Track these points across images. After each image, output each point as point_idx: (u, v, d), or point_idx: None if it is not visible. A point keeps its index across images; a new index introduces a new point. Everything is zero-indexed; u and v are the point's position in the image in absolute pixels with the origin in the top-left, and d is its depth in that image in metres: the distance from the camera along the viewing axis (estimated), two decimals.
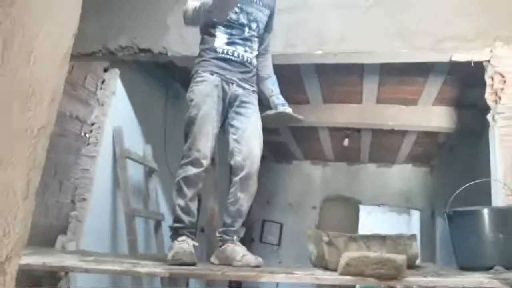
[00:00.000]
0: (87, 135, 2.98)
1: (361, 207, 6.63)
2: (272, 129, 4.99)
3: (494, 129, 2.48)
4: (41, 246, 2.23)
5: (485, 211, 1.79)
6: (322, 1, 2.78)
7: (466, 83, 3.48)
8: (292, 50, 2.80)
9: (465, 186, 1.97)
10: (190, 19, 2.09)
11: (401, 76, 3.54)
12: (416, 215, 6.73)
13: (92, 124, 3.00)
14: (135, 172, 3.23)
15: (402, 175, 6.44)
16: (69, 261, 1.63)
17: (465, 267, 1.83)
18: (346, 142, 5.24)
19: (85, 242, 2.59)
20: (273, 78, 2.33)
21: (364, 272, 1.53)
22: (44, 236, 2.42)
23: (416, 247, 1.87)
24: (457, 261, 1.92)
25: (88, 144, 2.93)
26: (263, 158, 6.98)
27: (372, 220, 7.21)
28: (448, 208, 1.98)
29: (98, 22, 3.10)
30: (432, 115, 4.08)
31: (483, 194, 2.47)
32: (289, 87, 2.91)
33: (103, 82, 3.12)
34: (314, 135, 5.42)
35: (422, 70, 3.33)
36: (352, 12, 2.72)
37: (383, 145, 5.54)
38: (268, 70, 2.33)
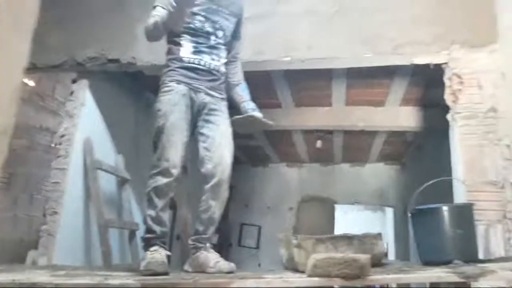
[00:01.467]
0: (57, 147, 2.95)
1: (337, 206, 6.76)
2: (247, 134, 5.06)
3: (453, 128, 2.61)
4: (11, 262, 2.20)
5: (444, 209, 1.89)
6: (289, 9, 2.86)
7: (430, 84, 3.61)
8: (260, 57, 2.86)
9: (424, 185, 2.06)
10: (151, 35, 2.12)
11: (368, 78, 3.65)
12: (390, 212, 6.90)
13: (62, 136, 2.97)
14: (107, 183, 3.21)
15: (375, 174, 6.60)
16: (39, 277, 1.62)
17: (428, 263, 1.92)
18: (319, 144, 5.34)
19: (58, 256, 2.56)
20: (243, 84, 2.38)
21: (331, 273, 1.58)
22: (14, 252, 2.38)
23: (381, 245, 1.95)
24: (421, 257, 2.01)
25: (58, 156, 2.90)
26: (240, 162, 7.09)
27: (348, 219, 7.36)
28: (411, 206, 2.07)
29: (64, 33, 3.09)
30: (399, 115, 4.22)
31: (450, 190, 2.59)
32: (261, 92, 2.97)
33: (71, 93, 3.10)
34: (288, 138, 5.50)
35: (387, 72, 3.44)
36: (318, 20, 2.81)
37: (355, 145, 5.68)
38: (237, 77, 2.37)
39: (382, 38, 2.69)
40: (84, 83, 3.13)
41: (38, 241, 2.55)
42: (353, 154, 6.24)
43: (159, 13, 2.04)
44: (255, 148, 6.09)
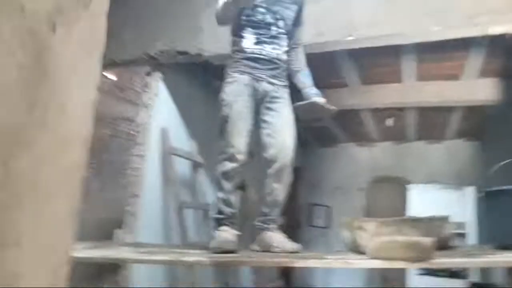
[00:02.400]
0: (136, 135, 3.24)
1: (411, 186, 6.52)
2: (311, 120, 5.03)
3: None
4: (101, 239, 2.50)
5: None
6: None
7: (510, 53, 3.31)
8: (322, 39, 2.83)
9: (500, 164, 1.94)
10: (221, 17, 2.19)
11: (440, 52, 3.43)
12: (470, 191, 6.47)
13: (140, 125, 3.25)
14: (182, 167, 3.45)
15: (453, 151, 6.21)
16: (125, 253, 1.85)
17: (501, 246, 1.83)
18: (389, 122, 5.16)
19: (140, 235, 2.85)
20: (305, 71, 2.40)
21: (393, 256, 1.60)
22: (103, 230, 2.70)
23: (448, 228, 1.90)
24: (494, 240, 1.92)
25: (137, 144, 3.18)
26: (308, 143, 7.09)
27: (423, 199, 7.02)
28: (484, 186, 1.97)
29: (137, 28, 3.32)
30: (477, 88, 3.92)
31: None
32: (325, 73, 2.96)
33: (146, 85, 3.35)
34: (356, 118, 5.38)
35: (461, 44, 3.21)
36: None
37: (430, 122, 5.39)
38: (299, 63, 2.40)
39: (450, 9, 2.52)
40: (157, 75, 3.36)
41: (123, 220, 2.85)
42: (428, 131, 5.92)
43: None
44: (323, 129, 6.04)
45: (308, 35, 2.72)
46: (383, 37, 2.75)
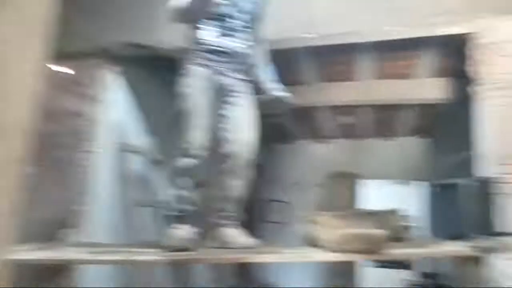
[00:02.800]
0: (88, 131, 3.09)
1: (366, 181, 6.72)
2: (273, 114, 5.06)
3: (479, 100, 2.52)
4: (47, 240, 2.36)
5: (462, 184, 1.87)
6: None
7: (459, 54, 3.47)
8: (282, 35, 2.83)
9: (449, 160, 2.03)
10: (175, 18, 2.14)
11: (395, 51, 3.54)
12: (421, 186, 6.77)
13: (93, 120, 3.10)
14: (137, 164, 3.34)
15: (406, 147, 6.47)
16: (71, 254, 1.75)
17: (449, 237, 1.92)
18: (346, 119, 5.28)
19: (91, 234, 2.72)
20: (267, 65, 2.38)
21: (349, 248, 1.63)
22: (50, 231, 2.56)
23: (400, 220, 1.96)
24: (442, 231, 2.01)
25: (88, 140, 3.04)
26: (267, 140, 7.07)
27: (377, 194, 7.27)
28: (434, 181, 2.06)
29: (93, 21, 3.17)
30: (428, 87, 4.09)
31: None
32: (283, 69, 2.94)
33: (100, 79, 3.21)
34: (315, 115, 5.46)
35: (414, 44, 3.33)
36: None
37: (383, 119, 5.57)
38: (261, 58, 2.38)
39: (407, 10, 2.61)
40: (112, 68, 3.23)
41: (72, 220, 2.72)
42: (382, 128, 6.12)
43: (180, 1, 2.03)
44: (282, 126, 6.09)
45: (268, 31, 2.72)
46: (341, 35, 2.80)
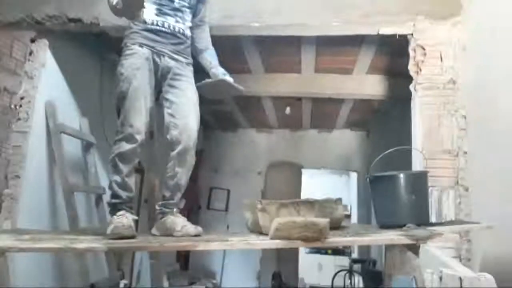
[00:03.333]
0: (17, 110, 2.85)
1: (304, 170, 6.97)
2: (217, 99, 5.03)
3: (415, 98, 2.70)
4: None
5: (399, 176, 1.99)
6: None
7: (396, 53, 3.68)
8: (228, 22, 2.81)
9: (384, 153, 2.15)
10: (114, 13, 2.01)
11: (337, 46, 3.67)
12: (354, 176, 7.16)
13: (22, 98, 2.86)
14: (71, 147, 3.14)
15: (342, 140, 6.78)
16: (3, 241, 1.62)
17: (384, 226, 2.04)
18: (288, 110, 5.39)
19: (21, 221, 2.53)
20: (211, 50, 2.34)
21: (292, 236, 1.67)
22: None
23: (341, 210, 2.05)
24: (377, 221, 2.13)
25: (19, 119, 2.80)
26: (209, 127, 7.10)
27: (315, 183, 7.59)
28: (370, 173, 2.17)
29: None
30: (366, 83, 4.30)
31: (410, 156, 2.71)
32: (230, 57, 2.92)
33: (31, 53, 2.95)
34: (258, 104, 5.52)
35: (355, 41, 3.47)
36: None
37: (323, 112, 5.78)
38: (205, 42, 2.34)
39: (349, 7, 2.70)
40: (44, 43, 2.99)
41: (0, 205, 2.51)
42: (321, 121, 6.35)
43: None
44: (225, 113, 6.08)
45: (214, 16, 2.68)
46: (286, 26, 2.83)
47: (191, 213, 5.95)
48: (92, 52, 3.56)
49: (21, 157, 2.67)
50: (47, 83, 2.96)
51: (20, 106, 2.81)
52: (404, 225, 1.92)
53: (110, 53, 3.72)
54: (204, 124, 6.68)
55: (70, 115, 3.24)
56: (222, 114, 6.12)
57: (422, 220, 1.97)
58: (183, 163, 2.09)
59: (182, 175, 2.11)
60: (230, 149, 6.96)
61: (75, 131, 3.20)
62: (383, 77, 4.26)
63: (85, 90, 3.43)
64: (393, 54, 3.75)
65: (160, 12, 2.08)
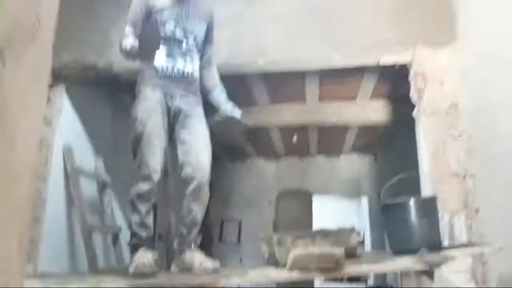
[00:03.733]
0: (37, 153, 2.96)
1: (314, 197, 6.98)
2: (227, 135, 5.14)
3: (419, 123, 2.78)
4: None
5: (410, 202, 2.04)
6: (261, 13, 2.95)
7: (398, 79, 3.78)
8: (234, 60, 2.94)
9: (393, 179, 2.22)
10: (125, 58, 2.16)
11: (339, 76, 3.77)
12: (365, 201, 7.15)
13: (41, 143, 2.98)
14: (88, 187, 3.24)
15: (350, 165, 6.82)
16: (29, 285, 1.68)
17: (398, 252, 2.08)
18: (294, 139, 5.48)
19: (42, 263, 2.59)
20: (219, 88, 2.43)
21: (309, 267, 1.72)
22: None
23: (355, 238, 2.10)
24: (391, 247, 2.17)
25: (39, 163, 2.91)
26: (217, 158, 7.09)
27: (326, 210, 7.58)
28: (381, 199, 2.23)
29: None
30: (370, 109, 4.39)
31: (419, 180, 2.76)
32: (235, 91, 3.02)
33: (48, 99, 3.10)
34: (265, 134, 5.61)
35: (357, 70, 3.58)
36: (289, 24, 2.91)
37: (329, 138, 5.85)
38: (213, 81, 2.43)
39: (349, 41, 2.82)
40: (61, 89, 3.14)
41: (22, 249, 2.57)
42: (328, 147, 6.42)
43: (128, 44, 2.06)
44: (233, 144, 6.17)
45: (221, 55, 2.82)
46: (289, 62, 2.95)
47: (204, 246, 5.94)
48: (106, 94, 3.71)
49: (41, 201, 2.76)
50: (64, 126, 3.08)
51: (40, 150, 2.92)
52: (418, 250, 1.96)
53: (122, 94, 3.88)
54: (213, 156, 6.77)
55: (86, 156, 3.35)
56: (230, 145, 6.22)
57: (435, 245, 2.01)
58: (198, 199, 2.15)
59: (198, 211, 2.16)
60: (239, 179, 7.02)
61: (91, 172, 3.30)
62: (386, 102, 4.35)
63: (100, 130, 3.56)
64: (395, 79, 3.85)
65: (170, 56, 2.19)
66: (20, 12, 0.63)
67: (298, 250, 1.80)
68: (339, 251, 1.70)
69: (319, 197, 7.18)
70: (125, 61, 2.95)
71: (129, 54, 2.07)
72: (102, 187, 3.44)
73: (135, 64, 2.41)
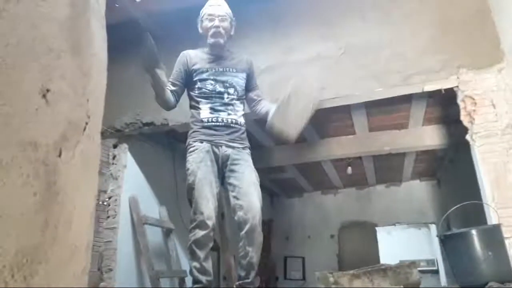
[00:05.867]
0: (106, 207, 3.24)
1: (379, 228, 6.74)
2: (279, 167, 5.23)
3: (474, 148, 2.68)
4: None
5: (472, 232, 1.96)
6: (299, 58, 3.07)
7: (448, 102, 3.69)
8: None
9: (453, 208, 2.15)
10: (159, 104, 2.40)
11: (387, 106, 3.76)
12: (434, 228, 6.76)
13: (110, 198, 3.27)
14: (153, 235, 3.46)
15: (412, 192, 6.56)
16: None
17: (464, 285, 1.99)
18: (349, 170, 5.43)
19: None
20: (270, 105, 2.42)
21: None
22: None
23: (416, 274, 2.03)
24: (457, 281, 2.08)
25: (108, 217, 3.19)
26: (275, 195, 7.20)
27: (393, 239, 7.24)
28: (442, 229, 2.16)
29: (108, 104, 3.43)
30: (423, 134, 4.28)
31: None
32: None
33: (114, 157, 3.42)
34: (319, 168, 5.63)
35: (404, 98, 3.55)
36: (327, 63, 3.00)
37: (387, 166, 5.72)
38: (266, 107, 2.43)
39: (390, 72, 2.84)
40: (124, 147, 3.45)
41: None
42: (387, 175, 6.26)
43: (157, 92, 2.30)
44: (288, 180, 6.23)
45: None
46: (333, 99, 3.00)
47: (269, 284, 5.93)
48: (165, 146, 3.99)
49: (112, 251, 2.99)
50: (129, 180, 3.36)
51: (109, 205, 3.20)
52: (486, 284, 1.86)
53: (180, 144, 4.15)
54: (270, 193, 6.86)
55: (150, 205, 3.60)
56: (285, 181, 6.28)
57: (505, 277, 1.90)
58: (252, 241, 2.20)
59: (253, 253, 2.21)
60: (298, 215, 7.00)
61: (155, 220, 3.52)
62: (440, 126, 4.22)
63: (162, 180, 3.82)
64: (445, 102, 3.76)
65: (213, 110, 2.37)
66: (71, 112, 0.77)
67: None
68: None
69: (384, 228, 6.92)
70: (178, 117, 3.23)
71: (157, 101, 2.33)
72: (166, 233, 3.64)
73: (187, 119, 2.61)
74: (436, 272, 6.74)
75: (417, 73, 2.80)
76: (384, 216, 6.55)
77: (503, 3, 2.62)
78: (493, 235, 2.04)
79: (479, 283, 1.88)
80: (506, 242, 2.10)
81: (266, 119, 2.34)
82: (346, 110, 3.78)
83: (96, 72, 0.85)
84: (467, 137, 2.70)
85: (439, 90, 2.82)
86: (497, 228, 2.07)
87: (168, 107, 2.40)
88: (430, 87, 2.79)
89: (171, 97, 2.35)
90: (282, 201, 7.08)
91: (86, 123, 0.80)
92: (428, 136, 4.26)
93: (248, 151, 2.42)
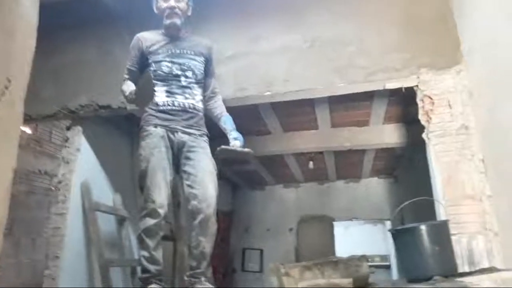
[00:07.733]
0: (56, 192, 3.08)
1: (336, 223, 6.86)
2: (242, 159, 5.21)
3: (429, 146, 2.74)
4: None
5: (420, 228, 2.00)
6: (265, 47, 3.02)
7: (408, 102, 3.77)
8: (242, 94, 3.00)
9: (402, 205, 2.18)
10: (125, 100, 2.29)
11: (349, 102, 3.81)
12: (389, 225, 6.96)
13: (60, 182, 3.11)
14: (106, 223, 3.32)
15: (370, 188, 6.72)
16: None
17: (411, 280, 2.02)
18: (311, 164, 5.48)
19: None
20: (225, 117, 2.41)
21: None
22: None
23: (366, 267, 2.05)
24: (404, 274, 2.12)
25: (57, 202, 3.03)
26: (237, 187, 7.17)
27: (349, 234, 7.40)
28: (396, 225, 2.19)
29: (56, 85, 3.25)
30: (384, 132, 4.37)
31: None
32: (249, 122, 3.09)
33: (67, 140, 3.25)
34: (281, 161, 5.64)
35: (366, 95, 3.60)
36: (293, 55, 2.96)
37: (347, 163, 5.82)
38: (219, 110, 2.44)
39: (353, 68, 2.85)
40: (78, 129, 3.28)
41: (41, 284, 2.65)
42: (347, 171, 6.37)
43: (125, 90, 2.18)
44: (251, 172, 6.22)
45: (230, 89, 2.90)
46: (297, 92, 2.98)
47: (226, 276, 5.91)
48: (122, 131, 3.84)
49: (60, 238, 2.85)
50: (81, 165, 3.20)
51: (59, 189, 3.04)
52: (431, 277, 1.90)
53: (137, 128, 4.01)
54: (232, 185, 6.83)
55: (104, 192, 3.45)
56: (248, 173, 6.26)
57: (449, 271, 1.95)
58: (205, 231, 2.13)
59: (206, 243, 2.14)
60: (259, 207, 7.01)
61: (108, 208, 3.39)
62: (400, 125, 4.33)
63: (117, 166, 3.67)
64: (406, 102, 3.84)
65: (169, 93, 2.25)
66: None
67: (305, 282, 1.79)
68: (347, 282, 1.67)
69: (342, 223, 7.05)
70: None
71: (127, 100, 2.18)
72: (119, 221, 3.52)
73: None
74: (389, 267, 6.96)
75: (380, 70, 2.82)
76: (343, 212, 6.68)
77: (465, 6, 2.68)
78: (441, 231, 2.08)
79: (425, 276, 1.92)
80: (453, 238, 2.17)
81: (215, 120, 2.38)
82: (310, 104, 3.79)
83: (21, 33, 0.77)
84: (424, 135, 2.76)
85: (400, 89, 2.86)
86: (445, 224, 2.12)
87: (131, 102, 2.27)
88: (391, 85, 2.82)
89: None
90: (244, 193, 7.06)
91: (6, 87, 0.72)
92: (387, 134, 4.35)
93: (205, 138, 2.32)
